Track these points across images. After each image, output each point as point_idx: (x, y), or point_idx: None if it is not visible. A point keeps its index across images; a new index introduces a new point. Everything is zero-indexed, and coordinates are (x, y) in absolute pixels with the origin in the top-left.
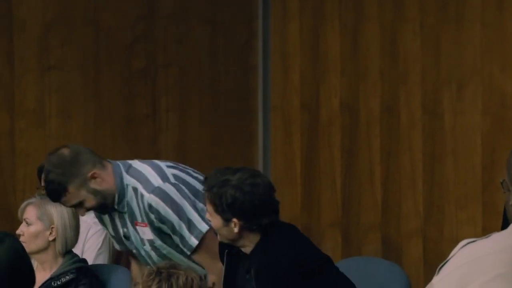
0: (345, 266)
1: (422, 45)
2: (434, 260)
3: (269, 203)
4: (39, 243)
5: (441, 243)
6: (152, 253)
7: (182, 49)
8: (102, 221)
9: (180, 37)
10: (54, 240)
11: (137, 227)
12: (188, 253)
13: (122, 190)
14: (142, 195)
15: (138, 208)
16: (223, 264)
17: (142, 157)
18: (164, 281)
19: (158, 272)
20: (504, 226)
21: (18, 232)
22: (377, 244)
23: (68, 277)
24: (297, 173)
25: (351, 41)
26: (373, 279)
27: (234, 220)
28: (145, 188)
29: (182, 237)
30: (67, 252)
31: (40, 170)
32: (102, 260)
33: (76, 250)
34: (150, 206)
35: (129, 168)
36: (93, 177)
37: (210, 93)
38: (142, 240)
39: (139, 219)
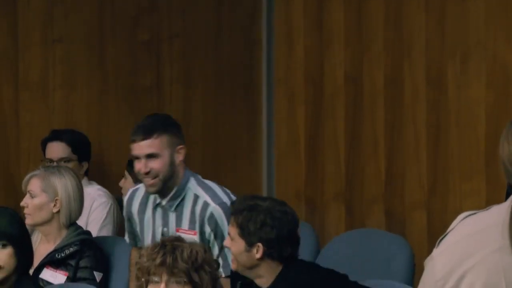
0: (348, 238)
1: (426, 17)
2: (438, 232)
3: (294, 234)
4: (43, 215)
5: (445, 215)
6: None
7: (186, 21)
8: (130, 213)
9: (184, 9)
10: (58, 212)
11: (179, 233)
12: (223, 275)
13: (181, 190)
14: (206, 204)
15: (191, 214)
16: None
17: None
18: (168, 254)
19: (163, 245)
20: (507, 198)
21: (22, 204)
22: (381, 216)
23: (72, 249)
24: (301, 146)
25: (355, 14)
26: (377, 251)
27: (259, 244)
28: (212, 199)
29: (225, 258)
30: (71, 224)
31: (44, 142)
32: (106, 232)
33: (80, 222)
34: (211, 216)
35: (195, 176)
36: (180, 152)
37: (215, 66)
38: None
39: (186, 227)
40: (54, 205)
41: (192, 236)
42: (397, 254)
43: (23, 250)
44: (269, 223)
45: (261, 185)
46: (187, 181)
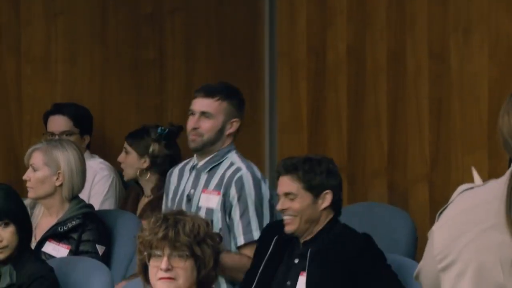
0: (350, 211)
1: None
2: (440, 205)
3: (341, 186)
4: (45, 189)
5: (448, 189)
6: None
7: None
8: (168, 181)
9: None
10: (60, 185)
11: (204, 194)
12: (242, 242)
13: (219, 156)
14: (238, 169)
15: (221, 176)
16: (268, 250)
17: (148, 102)
18: (170, 228)
19: (165, 218)
20: None
21: (24, 177)
22: (383, 189)
23: (74, 222)
24: (303, 119)
25: None
26: (378, 225)
27: (327, 192)
28: (246, 167)
29: (248, 223)
30: (74, 197)
31: (46, 116)
32: (109, 205)
33: (83, 195)
34: (240, 179)
35: (238, 153)
36: (233, 124)
37: (217, 39)
38: (199, 207)
39: (212, 187)
40: (57, 178)
41: (214, 196)
42: (399, 227)
43: (24, 226)
44: (333, 169)
45: (263, 158)
46: (228, 151)
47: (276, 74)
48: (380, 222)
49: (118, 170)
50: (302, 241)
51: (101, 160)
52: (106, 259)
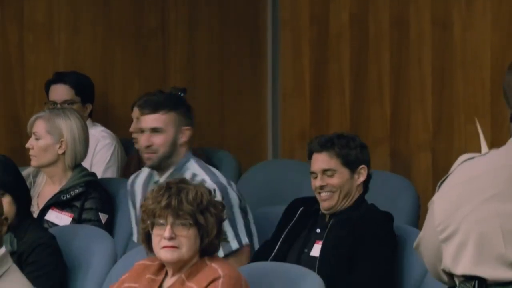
0: None
1: None
2: (443, 173)
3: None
4: (48, 157)
5: (450, 156)
6: None
7: None
8: (133, 192)
9: None
10: (63, 153)
11: None
12: (222, 255)
13: (179, 169)
14: (203, 181)
15: None
16: (292, 219)
17: (151, 71)
18: (174, 196)
19: (168, 187)
20: None
21: (27, 145)
22: (386, 157)
23: (77, 190)
24: (306, 87)
25: None
26: (381, 193)
27: (363, 166)
28: (210, 178)
29: (234, 228)
30: (77, 165)
31: (48, 85)
32: (111, 174)
33: (85, 164)
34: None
35: (198, 160)
36: (185, 133)
37: (219, 7)
38: None
39: None
40: (60, 146)
41: None
42: (401, 195)
43: (20, 195)
44: (365, 145)
45: (266, 126)
46: (186, 161)
47: (279, 42)
48: (382, 190)
49: (122, 138)
50: (329, 214)
51: (103, 128)
52: (109, 227)
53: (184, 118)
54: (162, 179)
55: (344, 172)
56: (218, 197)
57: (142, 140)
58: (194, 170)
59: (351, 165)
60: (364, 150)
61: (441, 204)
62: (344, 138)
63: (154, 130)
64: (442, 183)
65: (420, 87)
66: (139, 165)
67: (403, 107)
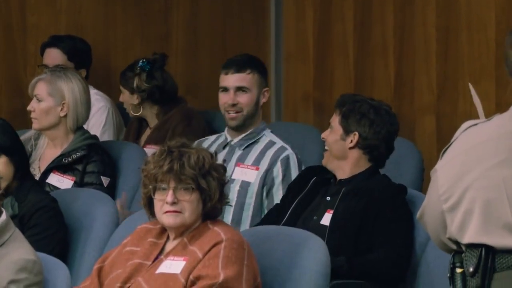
0: None
1: None
2: (448, 136)
3: (391, 139)
4: (50, 119)
5: (455, 119)
6: (231, 193)
7: None
8: None
9: None
10: (65, 116)
11: (239, 168)
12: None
13: (257, 132)
14: (284, 148)
15: (260, 154)
16: (303, 190)
17: (153, 31)
18: (176, 160)
19: (169, 151)
20: None
21: (29, 108)
22: None
23: (79, 153)
24: (309, 49)
25: None
26: None
27: (355, 133)
28: (291, 147)
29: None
30: (78, 128)
31: (43, 47)
32: (108, 137)
33: None
34: (287, 159)
35: (269, 129)
36: (265, 94)
37: None
38: (232, 179)
39: (250, 162)
40: (61, 109)
41: (252, 171)
42: (405, 158)
43: (17, 157)
44: (370, 116)
45: (269, 88)
46: (263, 128)
47: (282, 3)
48: None
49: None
50: (338, 179)
51: (96, 91)
52: (111, 190)
53: (264, 79)
54: (236, 140)
55: (338, 131)
56: (293, 165)
57: (225, 98)
58: (272, 138)
59: (346, 128)
60: (366, 120)
61: (444, 172)
62: (359, 103)
63: (240, 89)
64: (445, 151)
65: (425, 48)
66: (140, 129)
67: (407, 69)
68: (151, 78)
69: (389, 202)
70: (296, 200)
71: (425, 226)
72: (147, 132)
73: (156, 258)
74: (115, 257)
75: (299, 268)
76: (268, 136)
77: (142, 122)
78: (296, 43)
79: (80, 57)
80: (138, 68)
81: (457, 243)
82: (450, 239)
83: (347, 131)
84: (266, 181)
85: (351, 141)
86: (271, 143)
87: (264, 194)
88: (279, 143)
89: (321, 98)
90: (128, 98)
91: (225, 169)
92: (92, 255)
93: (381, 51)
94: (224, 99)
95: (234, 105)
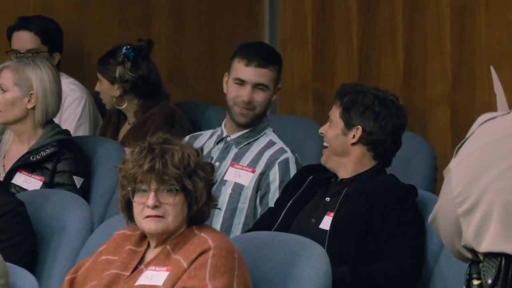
0: None
1: None
2: (464, 130)
3: (398, 133)
4: (16, 112)
5: (472, 111)
6: (222, 196)
7: None
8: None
9: None
10: (33, 108)
11: (233, 168)
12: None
13: (258, 131)
14: (283, 150)
15: (257, 155)
16: (300, 188)
17: (132, 13)
18: (157, 159)
19: (150, 148)
20: None
21: None
22: None
23: (48, 150)
24: (308, 33)
25: None
26: None
27: (358, 127)
28: (291, 151)
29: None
30: (48, 122)
31: (10, 31)
32: (83, 131)
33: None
34: (286, 163)
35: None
36: (277, 91)
37: None
38: (224, 181)
39: (245, 163)
40: (29, 100)
41: (247, 172)
42: (416, 155)
43: None
44: (375, 108)
45: None
46: (265, 127)
47: None
48: None
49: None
50: (339, 178)
51: (71, 79)
52: (85, 192)
53: (280, 75)
54: (234, 136)
55: (339, 125)
56: (293, 169)
57: (242, 93)
58: (272, 138)
59: (348, 121)
60: (370, 113)
61: (459, 172)
62: (362, 93)
63: (259, 86)
64: (460, 147)
65: (438, 32)
66: (119, 123)
67: (418, 54)
68: (136, 68)
69: (397, 204)
70: (290, 202)
71: (437, 232)
72: (126, 127)
73: (136, 268)
74: (90, 267)
75: (296, 279)
76: (269, 135)
77: (121, 116)
78: (293, 27)
79: (54, 39)
80: (122, 56)
81: (473, 251)
82: (465, 247)
83: (348, 125)
84: (261, 186)
85: (354, 136)
86: (270, 143)
87: (258, 200)
88: (279, 144)
89: (321, 89)
90: (107, 89)
91: (213, 168)
92: (64, 264)
93: (389, 34)
94: (238, 92)
95: (249, 102)
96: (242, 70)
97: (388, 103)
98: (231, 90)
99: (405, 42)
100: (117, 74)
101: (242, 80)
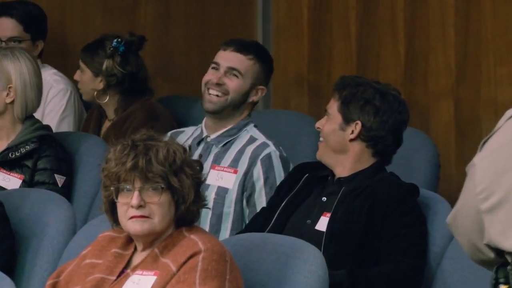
0: None
1: None
2: (468, 125)
3: (399, 129)
4: None
5: (477, 105)
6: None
7: None
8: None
9: None
10: (12, 102)
11: (214, 171)
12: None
13: (237, 129)
14: (265, 144)
15: (238, 153)
16: (295, 187)
17: (118, 2)
18: (141, 156)
19: (133, 145)
20: None
21: None
22: None
23: (28, 147)
24: (303, 21)
25: None
26: None
27: (357, 122)
28: (274, 144)
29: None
30: (28, 117)
31: None
32: (67, 125)
33: (36, 115)
34: (268, 158)
35: (256, 127)
36: (258, 92)
37: None
38: (207, 185)
39: (226, 164)
40: (7, 94)
41: (229, 174)
42: (418, 152)
43: None
44: (375, 103)
45: None
46: (246, 124)
47: None
48: None
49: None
50: (336, 177)
51: (55, 70)
52: (67, 191)
53: (265, 76)
54: (214, 136)
55: (337, 119)
56: (277, 164)
57: (211, 75)
58: (253, 133)
59: (346, 116)
60: (371, 107)
61: (484, 166)
62: (362, 86)
63: (232, 71)
64: (485, 142)
65: (441, 21)
66: (100, 120)
67: (420, 45)
68: (125, 63)
69: (398, 205)
70: (285, 201)
71: (455, 233)
72: (106, 124)
73: (122, 272)
74: (73, 270)
75: (291, 283)
76: (250, 131)
77: (103, 111)
78: (287, 15)
79: (37, 26)
80: (112, 48)
81: (497, 251)
82: (488, 245)
83: (347, 120)
84: (246, 186)
85: (352, 132)
86: (251, 140)
87: (245, 201)
88: (261, 139)
89: (317, 81)
90: (89, 80)
91: (201, 166)
92: (45, 268)
93: (389, 24)
94: (209, 76)
95: (219, 84)
96: (219, 54)
97: (389, 98)
98: (205, 75)
99: (406, 32)
100: (104, 67)
101: (217, 64)
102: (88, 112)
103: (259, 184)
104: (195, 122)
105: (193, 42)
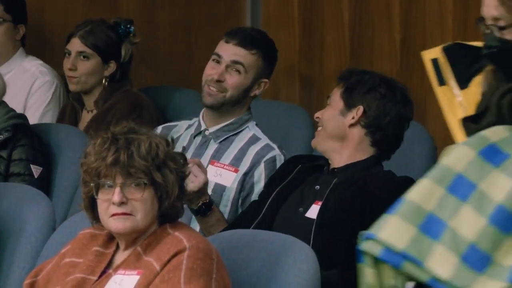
0: None
1: None
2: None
3: (401, 123)
4: None
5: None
6: None
7: None
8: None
9: None
10: None
11: (213, 166)
12: None
13: (239, 124)
14: (269, 147)
15: (240, 151)
16: (287, 177)
17: None
18: (122, 150)
19: (114, 138)
20: None
21: None
22: None
23: (2, 136)
24: (294, 9)
25: None
26: None
27: (359, 107)
28: (278, 147)
29: None
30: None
31: None
32: (50, 119)
33: (18, 106)
34: (273, 162)
35: (257, 124)
36: (260, 85)
37: None
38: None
39: (227, 161)
40: None
41: (229, 172)
42: (414, 145)
43: None
44: (380, 90)
45: None
46: (248, 119)
47: None
48: None
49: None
50: (331, 167)
51: (41, 62)
52: (43, 183)
53: (268, 68)
54: (212, 129)
55: (338, 104)
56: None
57: (212, 70)
58: (256, 132)
59: (348, 101)
60: (374, 93)
61: None
62: (368, 75)
63: (234, 66)
64: None
65: (438, 8)
66: (75, 115)
67: (417, 34)
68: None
69: (392, 197)
70: (276, 191)
71: None
72: (86, 115)
73: (104, 272)
74: (51, 270)
75: (281, 282)
76: (252, 129)
77: (76, 108)
78: (277, 2)
79: (19, 7)
80: (124, 32)
81: None
82: None
83: (349, 105)
84: (244, 186)
85: (353, 117)
86: (254, 139)
87: (240, 201)
88: (264, 140)
89: (308, 71)
90: (99, 68)
91: (185, 159)
92: (23, 266)
93: (384, 11)
94: (211, 70)
95: (219, 81)
96: (221, 46)
97: (396, 90)
98: (206, 68)
99: (401, 20)
100: (123, 53)
101: (218, 56)
102: (58, 113)
103: (259, 186)
104: (179, 112)
105: (179, 29)
